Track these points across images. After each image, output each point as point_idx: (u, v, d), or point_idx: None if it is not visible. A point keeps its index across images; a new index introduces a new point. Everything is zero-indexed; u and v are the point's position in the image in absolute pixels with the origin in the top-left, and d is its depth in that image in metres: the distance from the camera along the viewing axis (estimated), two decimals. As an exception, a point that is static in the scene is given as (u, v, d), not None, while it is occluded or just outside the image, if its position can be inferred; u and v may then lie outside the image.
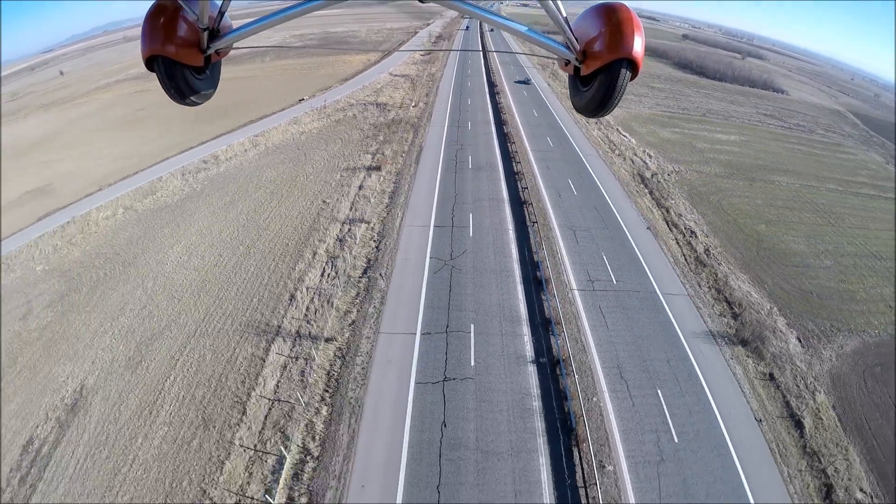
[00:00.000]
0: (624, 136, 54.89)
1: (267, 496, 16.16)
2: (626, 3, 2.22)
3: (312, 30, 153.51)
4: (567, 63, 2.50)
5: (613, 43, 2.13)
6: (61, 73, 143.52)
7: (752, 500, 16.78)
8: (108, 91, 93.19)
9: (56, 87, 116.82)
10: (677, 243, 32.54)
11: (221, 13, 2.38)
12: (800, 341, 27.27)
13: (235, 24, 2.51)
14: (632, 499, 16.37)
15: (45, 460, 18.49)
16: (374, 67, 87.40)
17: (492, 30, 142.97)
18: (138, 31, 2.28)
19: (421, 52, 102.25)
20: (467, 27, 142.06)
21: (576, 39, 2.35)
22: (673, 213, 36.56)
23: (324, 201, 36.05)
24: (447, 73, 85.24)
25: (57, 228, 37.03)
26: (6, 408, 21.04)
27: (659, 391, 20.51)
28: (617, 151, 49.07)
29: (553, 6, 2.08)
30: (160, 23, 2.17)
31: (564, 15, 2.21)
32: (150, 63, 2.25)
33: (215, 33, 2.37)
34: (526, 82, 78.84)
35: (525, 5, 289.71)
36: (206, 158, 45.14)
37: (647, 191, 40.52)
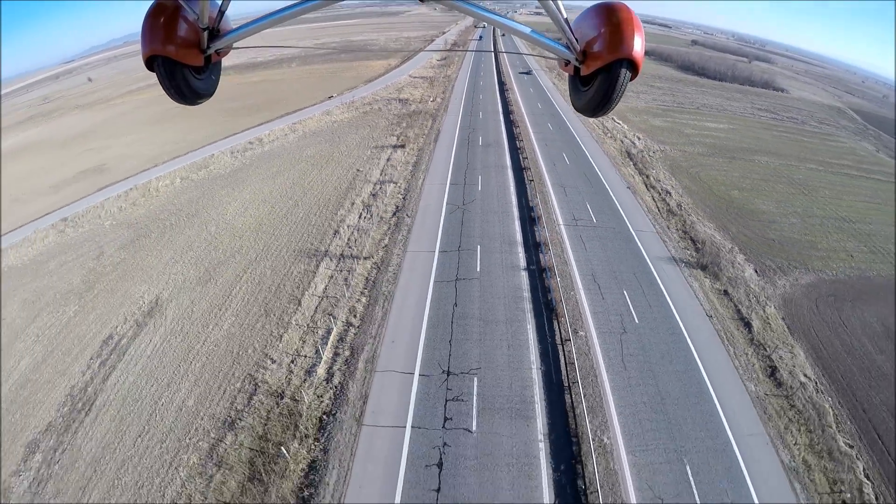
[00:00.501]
0: (618, 123, 60.42)
1: (318, 351, 22.03)
2: (626, 3, 2.22)
3: (333, 38, 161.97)
4: (567, 63, 2.53)
5: (613, 43, 2.16)
6: (90, 80, 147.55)
7: (698, 361, 21.82)
8: (142, 93, 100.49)
9: (87, 92, 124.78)
10: (652, 199, 38.05)
11: (221, 13, 2.41)
12: (756, 272, 32.13)
13: (235, 23, 2.53)
14: (599, 353, 21.88)
15: (123, 350, 23.53)
16: (395, 70, 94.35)
17: (504, 35, 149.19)
18: None
19: (438, 58, 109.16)
20: (480, 37, 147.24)
21: (576, 40, 2.37)
22: (652, 179, 42.04)
23: (357, 170, 42.33)
24: (461, 74, 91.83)
25: (120, 194, 43.28)
26: (85, 318, 26.62)
27: (625, 291, 26.06)
28: (609, 135, 54.68)
29: (553, 6, 2.11)
30: (160, 22, 2.19)
31: (564, 15, 2.23)
32: (150, 63, 2.28)
33: (215, 33, 2.41)
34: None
35: (539, 13, 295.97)
36: (251, 141, 51.87)
37: (631, 163, 46.07)
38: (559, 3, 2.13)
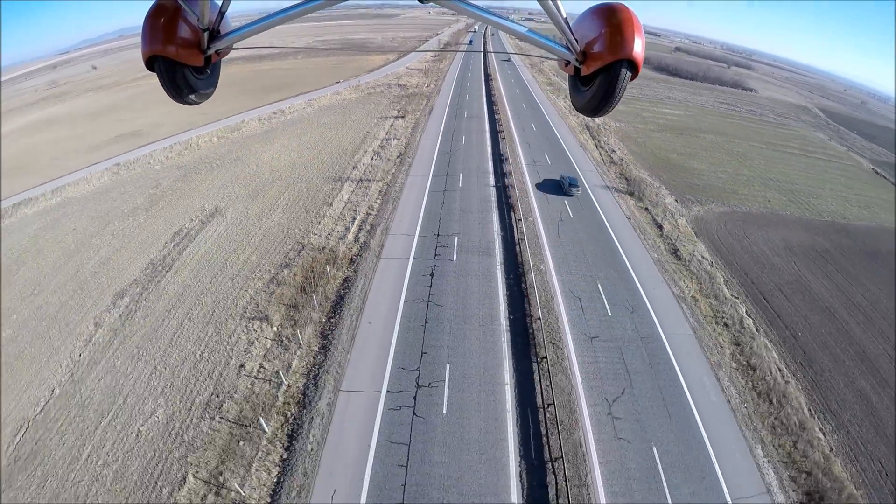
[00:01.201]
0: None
1: (347, 228, 32.56)
2: (626, 3, 2.27)
3: (333, 36, 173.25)
4: (567, 63, 2.58)
5: (614, 44, 2.20)
6: (94, 68, 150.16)
7: (615, 239, 32.45)
8: (155, 78, 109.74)
9: (96, 78, 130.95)
10: (599, 154, 49.30)
11: (221, 13, 2.46)
12: (676, 200, 42.65)
13: (235, 24, 2.59)
14: (542, 230, 32.50)
15: (192, 236, 32.79)
16: (393, 63, 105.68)
17: (493, 34, 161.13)
18: None
19: (432, 54, 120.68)
20: (471, 41, 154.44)
21: (576, 40, 2.41)
22: (602, 143, 53.29)
23: (367, 131, 53.14)
24: (452, 68, 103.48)
25: (164, 148, 52.69)
26: (155, 221, 35.52)
27: (565, 201, 36.98)
28: (573, 112, 66.09)
29: (553, 7, 2.14)
30: (160, 23, 2.24)
31: (564, 16, 2.27)
32: (151, 63, 2.34)
33: (215, 34, 2.46)
34: (508, 60, 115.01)
35: (530, 19, 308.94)
36: (274, 112, 62.48)
37: (588, 132, 57.46)
38: (559, 3, 2.18)
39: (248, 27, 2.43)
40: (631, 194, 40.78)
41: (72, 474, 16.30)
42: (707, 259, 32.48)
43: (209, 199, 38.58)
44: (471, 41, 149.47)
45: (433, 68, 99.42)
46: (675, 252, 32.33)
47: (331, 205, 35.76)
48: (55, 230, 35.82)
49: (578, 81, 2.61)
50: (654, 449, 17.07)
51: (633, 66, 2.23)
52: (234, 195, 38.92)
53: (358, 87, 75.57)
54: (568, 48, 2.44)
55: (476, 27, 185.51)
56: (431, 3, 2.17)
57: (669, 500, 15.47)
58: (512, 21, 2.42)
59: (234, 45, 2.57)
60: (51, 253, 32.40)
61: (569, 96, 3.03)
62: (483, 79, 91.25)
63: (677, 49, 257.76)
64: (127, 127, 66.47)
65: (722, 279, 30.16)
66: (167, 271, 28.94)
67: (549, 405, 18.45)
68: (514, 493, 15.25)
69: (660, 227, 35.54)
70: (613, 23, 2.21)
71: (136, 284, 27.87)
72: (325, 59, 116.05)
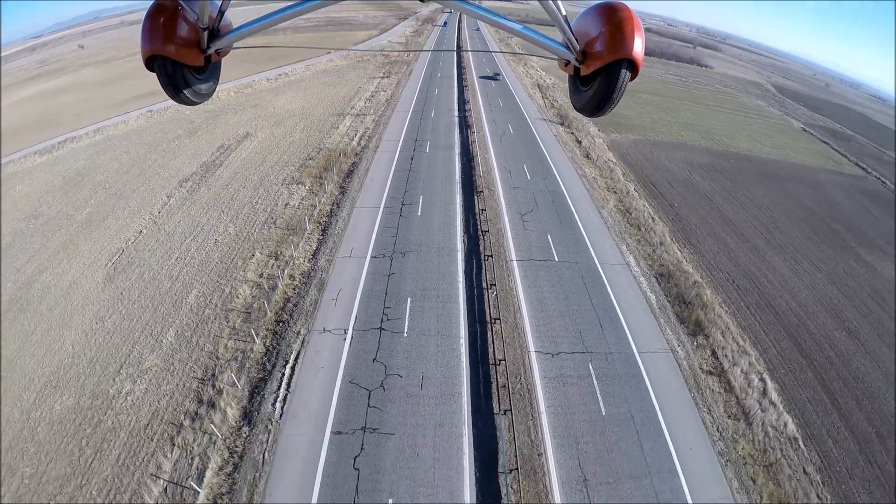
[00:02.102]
0: (537, 69, 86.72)
1: (351, 139, 46.59)
2: (626, 3, 2.30)
3: (318, 14, 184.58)
4: (567, 63, 2.63)
5: (614, 43, 2.24)
6: (81, 47, 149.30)
7: (543, 147, 47.10)
8: None
9: (86, 56, 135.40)
10: (544, 102, 64.28)
11: (221, 13, 2.52)
12: (599, 130, 57.36)
13: (235, 23, 2.65)
14: (489, 139, 46.98)
15: (233, 149, 45.29)
16: (377, 38, 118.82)
17: (477, 28, 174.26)
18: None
19: (411, 30, 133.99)
20: (445, 23, 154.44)
21: (575, 39, 2.45)
22: (549, 95, 68.08)
23: (359, 87, 66.95)
24: (430, 41, 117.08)
25: None
26: (199, 141, 49.98)
27: (509, 125, 51.65)
28: (528, 75, 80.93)
29: (553, 6, 2.18)
30: (160, 22, 2.29)
31: (564, 14, 2.31)
32: (150, 63, 2.39)
33: (215, 33, 2.52)
34: (478, 29, 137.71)
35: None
36: (279, 74, 75.59)
37: (538, 89, 72.11)
38: (559, 2, 2.22)
39: (247, 26, 2.51)
40: (562, 124, 55.60)
41: (163, 269, 27.52)
42: (612, 160, 47.44)
43: (240, 128, 51.90)
44: (445, 23, 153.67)
45: (412, 42, 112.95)
46: (587, 155, 47.25)
47: (337, 128, 49.74)
48: (108, 154, 47.63)
49: (578, 81, 2.68)
50: (548, 236, 31.34)
51: (633, 66, 2.28)
52: (260, 125, 52.36)
53: (347, 56, 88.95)
54: (567, 47, 2.49)
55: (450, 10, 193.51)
56: (432, 3, 2.28)
57: (556, 255, 29.40)
58: (512, 20, 2.48)
59: (235, 45, 2.66)
60: (110, 166, 43.92)
61: (569, 96, 2.91)
62: (455, 47, 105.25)
63: (647, 30, 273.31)
64: (143, 90, 77.75)
65: (621, 172, 45.03)
66: (218, 167, 42.18)
67: (483, 210, 33.00)
68: (460, 246, 29.57)
69: (579, 142, 50.45)
70: (613, 22, 2.26)
71: (195, 175, 40.64)
72: (314, 34, 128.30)
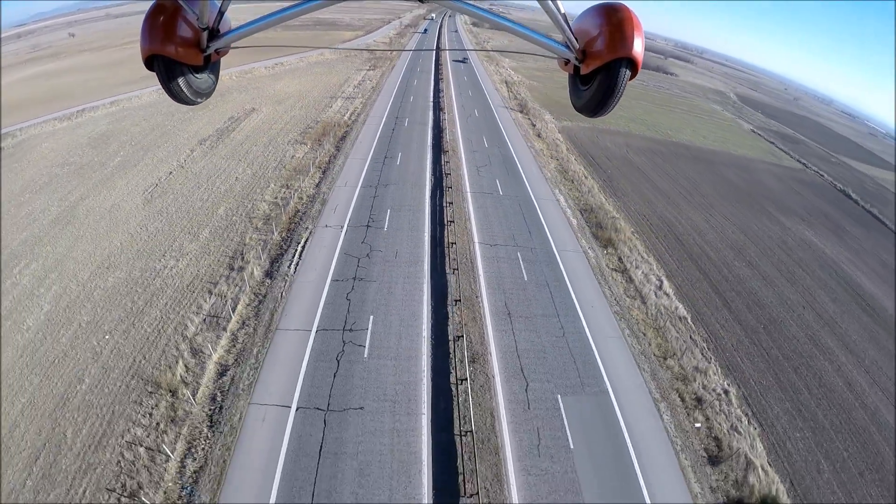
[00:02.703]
0: (506, 69, 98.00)
1: (343, 115, 56.60)
2: (626, 2, 2.35)
3: (305, 17, 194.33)
4: (567, 62, 2.70)
5: (613, 42, 2.30)
6: (72, 35, 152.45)
7: (502, 128, 57.66)
8: None
9: (80, 43, 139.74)
10: (509, 95, 75.00)
11: (221, 13, 2.58)
12: (553, 117, 68.22)
13: (235, 23, 2.69)
14: (458, 119, 57.45)
15: (242, 119, 54.47)
16: (363, 37, 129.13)
17: (451, 15, 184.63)
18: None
19: (394, 32, 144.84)
20: (425, 30, 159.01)
21: (575, 39, 2.52)
22: (514, 90, 79.00)
23: (348, 76, 77.00)
24: (412, 42, 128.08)
25: None
26: (214, 112, 59.47)
27: (475, 109, 62.21)
28: (497, 74, 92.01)
29: (552, 6, 2.24)
30: (160, 22, 2.34)
31: (563, 13, 2.37)
32: (150, 62, 2.45)
33: (215, 33, 2.58)
34: (456, 31, 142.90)
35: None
36: (275, 64, 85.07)
37: (505, 85, 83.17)
38: (559, 2, 2.27)
39: (247, 26, 2.55)
40: (521, 112, 66.33)
41: (194, 195, 36.00)
42: (559, 139, 57.98)
43: (246, 104, 61.14)
44: (425, 30, 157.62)
45: (396, 41, 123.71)
46: (539, 134, 57.78)
47: (331, 107, 59.56)
48: (128, 120, 55.49)
49: (578, 81, 2.74)
50: (497, 180, 41.52)
51: (633, 65, 2.33)
52: (263, 103, 61.73)
53: (336, 52, 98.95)
54: (567, 47, 2.55)
55: (433, 15, 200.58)
56: (432, 3, 2.29)
57: (500, 191, 39.78)
58: (512, 20, 2.53)
59: (234, 45, 2.72)
60: (132, 129, 51.68)
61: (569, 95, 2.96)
62: (435, 46, 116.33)
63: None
64: (146, 72, 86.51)
65: (565, 147, 55.50)
66: (231, 132, 51.15)
67: (447, 162, 43.07)
68: (428, 183, 39.41)
69: (534, 125, 61.08)
70: (613, 21, 2.32)
71: (212, 136, 49.22)
72: (303, 32, 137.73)
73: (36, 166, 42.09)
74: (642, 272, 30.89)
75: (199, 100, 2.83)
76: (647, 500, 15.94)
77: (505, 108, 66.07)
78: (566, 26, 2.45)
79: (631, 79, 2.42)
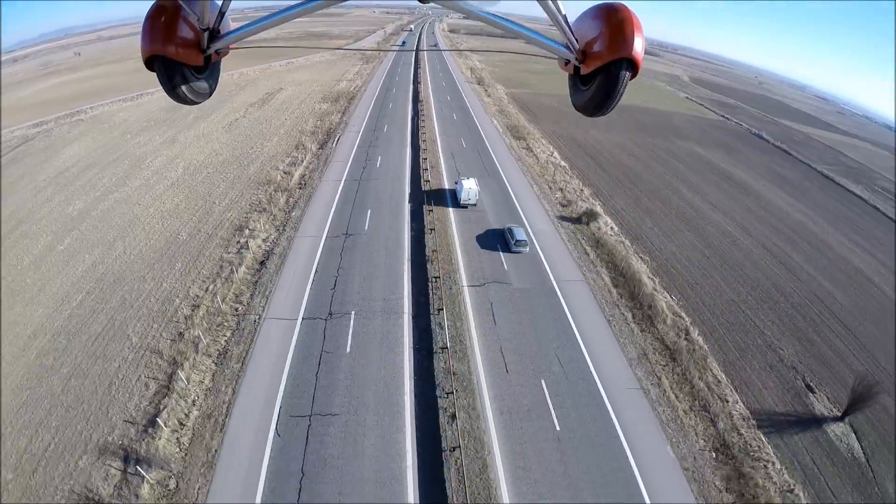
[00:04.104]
0: (473, 61, 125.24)
1: (349, 87, 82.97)
2: (626, 3, 2.41)
3: (295, 29, 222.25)
4: (567, 63, 2.77)
5: (613, 43, 2.35)
6: (77, 54, 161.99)
7: (468, 104, 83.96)
8: None
9: (89, 60, 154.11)
10: (471, 77, 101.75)
11: (221, 14, 2.64)
12: (504, 88, 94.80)
13: (235, 24, 2.79)
14: (433, 106, 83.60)
15: (274, 96, 78.11)
16: (353, 45, 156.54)
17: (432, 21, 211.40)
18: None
19: (381, 39, 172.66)
20: (403, 42, 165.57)
21: (576, 40, 2.58)
22: (476, 75, 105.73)
23: (346, 69, 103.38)
24: (397, 42, 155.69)
25: (225, 76, 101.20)
26: (240, 94, 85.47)
27: (447, 95, 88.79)
28: (466, 65, 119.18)
29: (552, 6, 2.30)
30: (160, 23, 2.40)
31: (564, 14, 2.43)
32: (151, 63, 2.51)
33: (215, 34, 2.64)
34: (433, 33, 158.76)
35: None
36: (287, 62, 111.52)
37: (470, 71, 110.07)
38: (559, 3, 2.33)
39: (247, 27, 2.62)
40: (479, 84, 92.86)
41: (257, 128, 62.01)
42: (505, 98, 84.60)
43: (274, 86, 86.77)
44: (403, 42, 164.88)
45: (384, 46, 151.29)
46: (489, 95, 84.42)
47: (339, 84, 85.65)
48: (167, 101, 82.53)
49: (578, 81, 2.79)
50: (454, 114, 67.82)
51: (633, 66, 2.38)
52: (287, 85, 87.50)
53: (333, 54, 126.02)
54: (568, 47, 2.61)
55: (412, 27, 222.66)
56: (432, 3, 2.38)
57: (455, 118, 65.83)
58: (511, 21, 2.59)
59: (234, 46, 2.78)
60: (160, 104, 79.13)
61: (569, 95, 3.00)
62: (415, 49, 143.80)
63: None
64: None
65: (507, 101, 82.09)
66: (270, 100, 76.87)
67: (421, 107, 69.40)
68: (409, 118, 65.71)
69: (486, 91, 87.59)
70: (613, 22, 2.37)
71: (256, 103, 74.39)
72: (298, 42, 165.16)
73: (122, 126, 63.93)
74: (541, 150, 57.11)
75: (198, 100, 2.91)
76: (521, 213, 41.17)
77: (468, 83, 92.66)
78: (566, 27, 2.53)
79: (631, 79, 2.49)
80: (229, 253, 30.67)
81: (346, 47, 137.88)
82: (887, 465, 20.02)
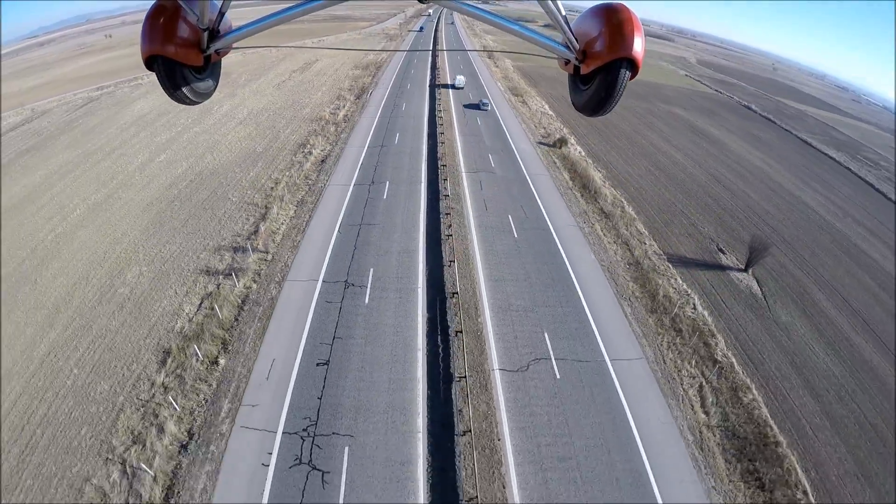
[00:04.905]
0: (487, 40, 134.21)
1: (378, 57, 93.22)
2: (626, 2, 2.40)
3: (319, 13, 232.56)
4: (567, 62, 2.75)
5: (613, 43, 2.35)
6: (108, 36, 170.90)
7: (475, 66, 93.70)
8: None
9: (121, 41, 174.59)
10: (485, 55, 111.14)
11: (221, 13, 2.63)
12: (511, 61, 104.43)
13: (235, 24, 2.77)
14: (448, 72, 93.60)
15: (311, 65, 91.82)
16: (375, 26, 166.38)
17: (451, 22, 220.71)
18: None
19: (401, 21, 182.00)
20: (421, 28, 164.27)
21: (575, 39, 2.57)
22: (501, 68, 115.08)
23: (372, 48, 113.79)
24: (417, 24, 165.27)
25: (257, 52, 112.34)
26: (279, 65, 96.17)
27: (458, 56, 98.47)
28: (477, 38, 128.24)
29: (553, 6, 2.29)
30: (160, 23, 2.40)
31: (564, 14, 2.42)
32: (150, 63, 2.50)
33: (215, 33, 2.64)
34: (452, 23, 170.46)
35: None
36: (318, 39, 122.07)
37: (485, 51, 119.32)
38: (559, 2, 2.31)
39: (247, 27, 2.61)
40: (489, 57, 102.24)
41: (302, 86, 73.89)
42: (511, 69, 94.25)
43: (310, 58, 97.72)
44: (421, 28, 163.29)
45: (405, 27, 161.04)
46: (497, 66, 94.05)
47: (367, 57, 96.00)
48: (235, 67, 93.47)
49: (578, 81, 2.78)
50: (459, 76, 77.78)
51: (633, 66, 2.38)
52: (320, 58, 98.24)
53: (359, 34, 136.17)
54: (568, 47, 2.59)
55: (430, 11, 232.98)
56: (432, 3, 2.36)
57: (465, 88, 75.74)
58: (511, 21, 2.58)
59: (234, 45, 2.77)
60: (241, 69, 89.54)
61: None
62: (434, 28, 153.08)
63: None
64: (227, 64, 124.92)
65: (512, 70, 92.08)
66: (308, 69, 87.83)
67: (438, 72, 79.46)
68: (428, 77, 76.02)
69: (497, 66, 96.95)
70: (613, 22, 2.36)
71: (297, 71, 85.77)
72: (322, 24, 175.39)
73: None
74: (534, 103, 67.24)
75: (199, 100, 2.88)
76: (510, 139, 51.28)
77: (478, 56, 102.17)
78: (566, 27, 2.52)
79: (631, 79, 2.48)
80: (297, 157, 41.76)
81: (344, 47, 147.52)
82: (783, 305, 28.44)
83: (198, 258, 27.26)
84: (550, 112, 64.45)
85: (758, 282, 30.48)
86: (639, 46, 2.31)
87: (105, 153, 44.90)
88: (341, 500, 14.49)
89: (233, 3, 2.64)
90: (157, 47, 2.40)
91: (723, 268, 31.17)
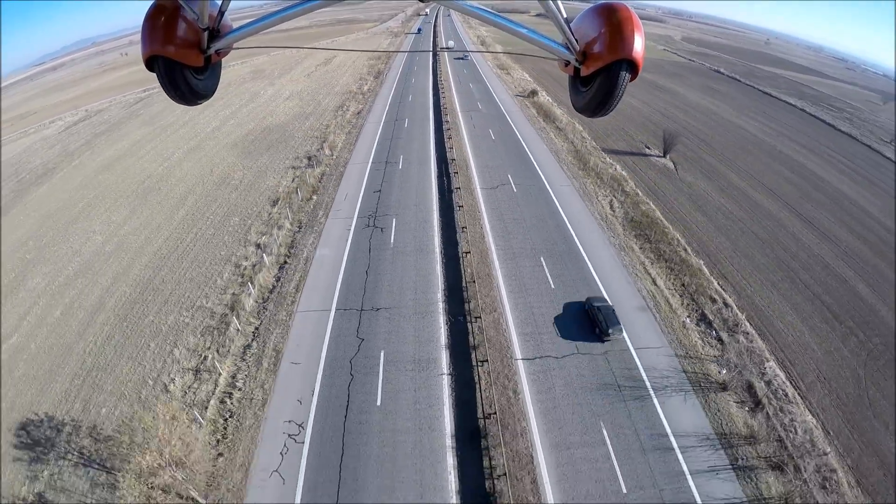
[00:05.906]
0: (482, 31, 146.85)
1: (388, 48, 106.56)
2: (626, 2, 2.36)
3: (325, 16, 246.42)
4: (567, 64, 2.66)
5: (613, 44, 2.28)
6: (125, 55, 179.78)
7: (479, 69, 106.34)
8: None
9: (137, 58, 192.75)
10: (478, 43, 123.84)
11: (221, 13, 2.58)
12: (502, 48, 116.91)
13: (235, 24, 2.73)
14: (448, 66, 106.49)
15: (331, 60, 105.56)
16: (380, 26, 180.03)
17: (449, 14, 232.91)
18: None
19: (404, 20, 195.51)
20: (419, 30, 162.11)
21: (576, 40, 2.50)
22: (484, 38, 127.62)
23: (378, 45, 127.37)
24: (417, 22, 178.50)
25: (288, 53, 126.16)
26: (301, 62, 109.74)
27: (465, 74, 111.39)
28: (475, 34, 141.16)
29: (553, 6, 2.25)
30: (160, 23, 2.34)
31: (564, 16, 2.38)
32: (151, 63, 2.44)
33: (215, 33, 2.58)
34: (449, 15, 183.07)
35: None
36: (332, 41, 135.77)
37: (479, 41, 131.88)
38: (559, 3, 2.27)
39: (248, 27, 2.56)
40: (482, 44, 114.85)
41: (328, 76, 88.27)
42: (501, 55, 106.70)
43: (329, 55, 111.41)
44: (419, 29, 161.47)
45: (405, 25, 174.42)
46: (495, 59, 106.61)
47: (378, 47, 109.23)
48: (265, 66, 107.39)
49: (578, 82, 2.70)
50: (463, 69, 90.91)
51: (633, 67, 2.32)
52: (336, 56, 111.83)
53: (366, 34, 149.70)
54: (568, 48, 2.53)
55: (427, 11, 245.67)
56: (432, 3, 2.35)
57: (465, 72, 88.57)
58: (511, 21, 2.54)
59: (235, 46, 2.71)
60: (272, 67, 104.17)
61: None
62: (433, 23, 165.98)
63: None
64: (249, 69, 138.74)
65: (507, 58, 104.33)
66: (329, 63, 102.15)
67: (440, 72, 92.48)
68: (430, 72, 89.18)
69: (503, 66, 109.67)
70: (613, 22, 2.29)
71: (320, 65, 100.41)
72: (329, 28, 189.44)
73: (224, 81, 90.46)
74: (517, 74, 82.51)
75: (199, 101, 2.80)
76: (493, 93, 64.15)
77: (472, 44, 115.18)
78: (566, 27, 2.46)
79: (631, 80, 2.42)
80: (338, 113, 56.99)
81: (345, 48, 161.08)
82: (691, 174, 42.13)
83: (285, 163, 41.34)
84: (529, 78, 79.65)
85: (673, 163, 43.70)
86: (639, 47, 2.28)
87: (180, 125, 59.41)
88: (392, 241, 28.39)
89: (233, 3, 2.64)
90: (157, 48, 2.36)
91: (646, 156, 44.17)
